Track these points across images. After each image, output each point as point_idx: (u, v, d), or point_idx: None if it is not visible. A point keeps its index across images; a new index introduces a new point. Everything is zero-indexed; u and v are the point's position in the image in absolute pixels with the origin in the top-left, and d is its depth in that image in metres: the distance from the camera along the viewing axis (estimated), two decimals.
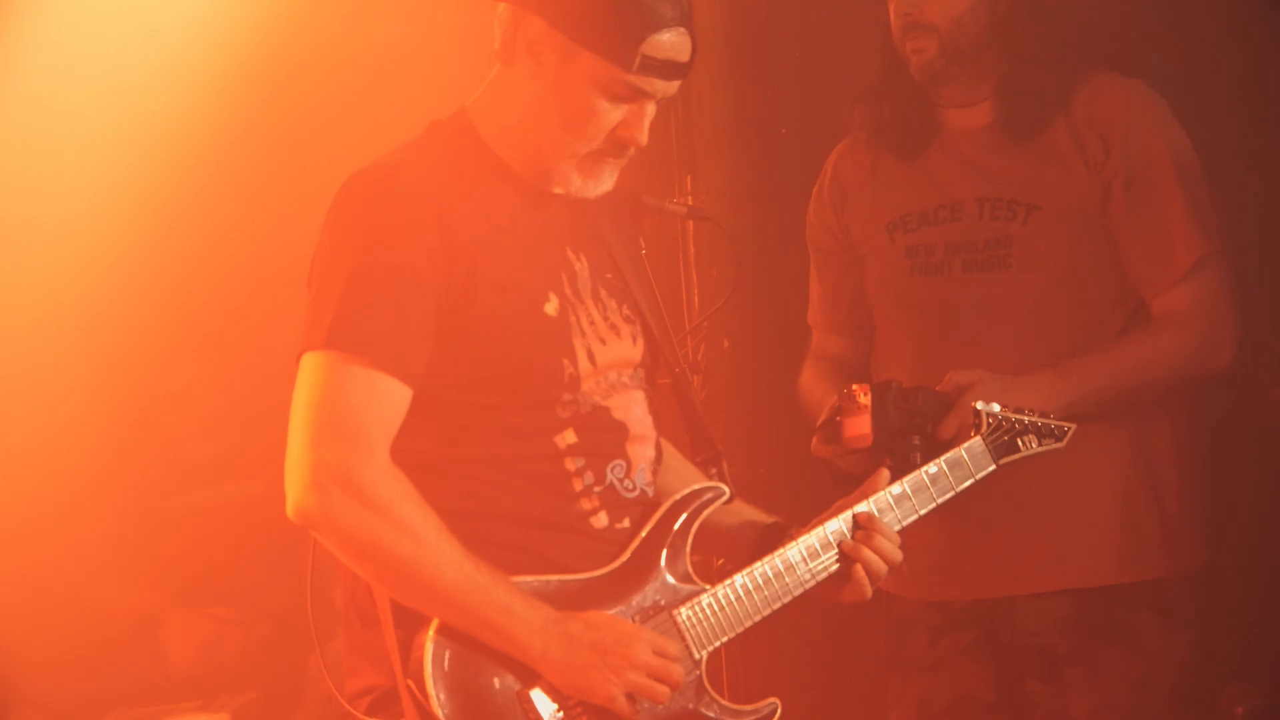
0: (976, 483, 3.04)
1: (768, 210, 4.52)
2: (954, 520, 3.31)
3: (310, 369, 2.71)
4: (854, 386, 3.23)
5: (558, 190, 2.87)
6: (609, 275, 2.92)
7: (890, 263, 3.66)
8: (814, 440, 3.37)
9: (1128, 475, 3.56)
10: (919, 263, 3.61)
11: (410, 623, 2.69)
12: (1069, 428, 3.19)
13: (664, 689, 2.72)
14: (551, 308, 2.80)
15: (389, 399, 2.68)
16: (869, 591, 2.90)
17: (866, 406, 3.21)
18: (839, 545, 2.88)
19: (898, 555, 2.89)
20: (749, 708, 2.84)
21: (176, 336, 4.67)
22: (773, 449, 4.50)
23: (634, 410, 2.89)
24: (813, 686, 4.30)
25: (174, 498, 4.88)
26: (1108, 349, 3.52)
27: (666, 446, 3.03)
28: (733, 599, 2.84)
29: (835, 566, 2.89)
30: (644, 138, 2.81)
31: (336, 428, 2.64)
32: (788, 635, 3.57)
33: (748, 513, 3.01)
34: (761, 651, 3.72)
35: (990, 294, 3.54)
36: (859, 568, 2.88)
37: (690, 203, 4.42)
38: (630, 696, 2.71)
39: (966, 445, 3.05)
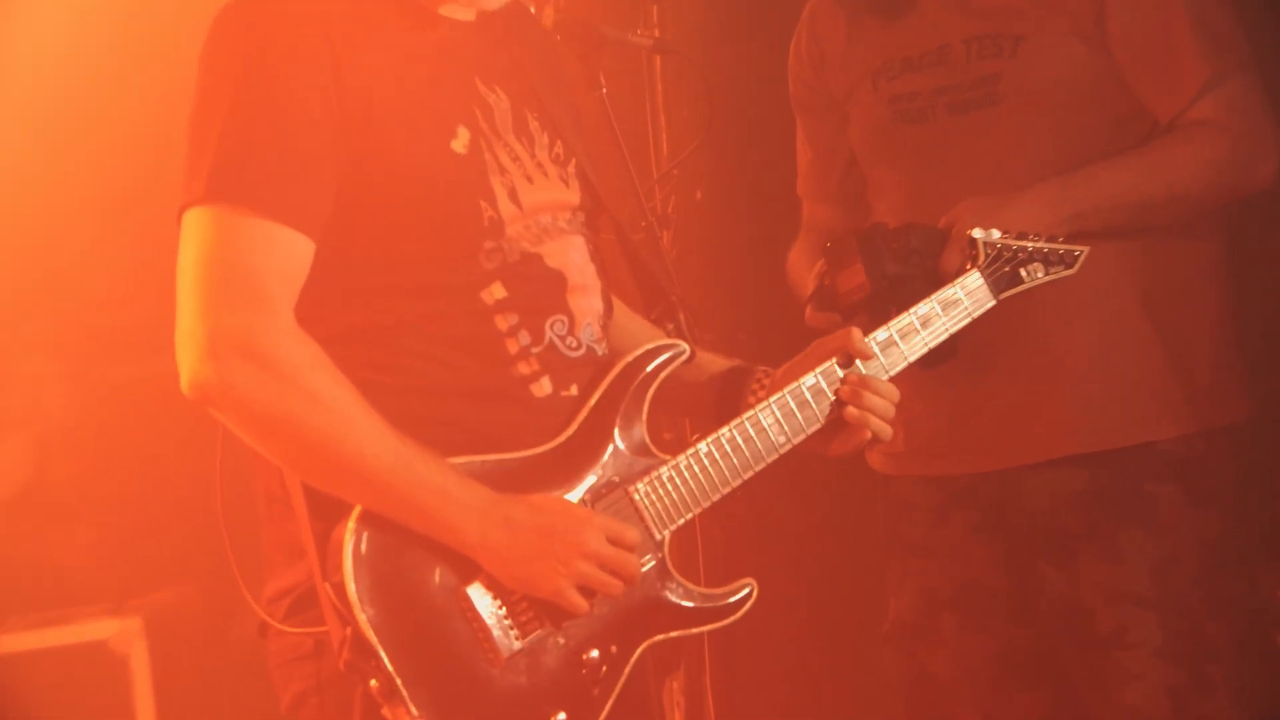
0: (976, 323, 2.90)
1: (745, 46, 4.46)
2: (953, 382, 3.25)
3: (194, 227, 2.54)
4: (838, 236, 3.14)
5: (460, 15, 2.73)
6: (533, 112, 2.77)
7: (873, 114, 3.53)
8: (807, 310, 3.27)
9: (1152, 312, 3.37)
10: (901, 110, 3.47)
11: (330, 513, 2.54)
12: (1080, 251, 3.03)
13: (617, 583, 2.58)
14: (460, 144, 2.63)
15: (287, 252, 2.52)
16: (867, 437, 2.76)
17: (856, 253, 3.09)
18: (818, 400, 2.74)
19: (895, 395, 2.75)
20: (720, 591, 2.69)
21: (76, 203, 4.62)
22: (752, 311, 4.44)
23: (572, 257, 2.73)
24: (803, 575, 4.35)
25: (80, 372, 4.82)
26: (1122, 155, 3.34)
27: (618, 304, 2.90)
28: (697, 470, 2.69)
29: (815, 426, 2.74)
30: None
31: (230, 289, 2.49)
32: (773, 516, 3.63)
33: (713, 366, 2.88)
34: (744, 535, 3.66)
35: (979, 135, 3.38)
36: (853, 411, 2.75)
37: (657, 35, 4.24)
38: (581, 589, 2.57)
39: (961, 280, 2.91)
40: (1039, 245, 3.00)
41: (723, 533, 3.56)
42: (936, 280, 3.00)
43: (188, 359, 2.51)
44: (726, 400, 2.84)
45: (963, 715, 3.51)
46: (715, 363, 2.89)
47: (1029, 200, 3.25)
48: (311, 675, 2.61)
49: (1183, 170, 3.32)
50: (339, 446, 2.50)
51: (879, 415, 2.76)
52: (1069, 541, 3.37)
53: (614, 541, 2.59)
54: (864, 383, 2.75)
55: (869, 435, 2.75)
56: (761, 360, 2.86)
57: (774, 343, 2.99)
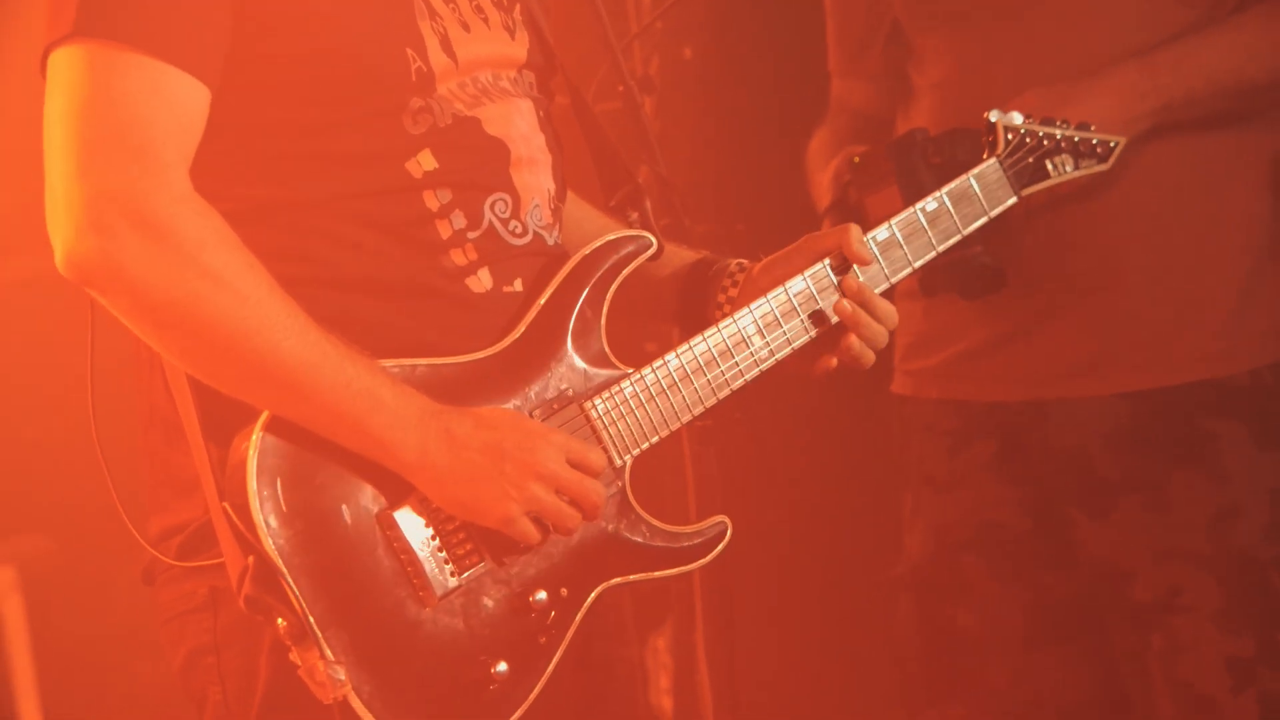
0: (993, 221, 2.84)
1: None
2: (993, 300, 3.16)
3: (62, 71, 2.41)
4: (867, 149, 3.09)
5: None
6: None
7: None
8: (824, 225, 3.20)
9: (1224, 222, 3.26)
10: None
11: (229, 437, 2.43)
12: (1115, 142, 3.01)
13: (575, 513, 2.49)
14: None
15: (178, 100, 2.41)
16: (868, 361, 2.70)
17: (891, 172, 3.05)
18: (806, 308, 2.67)
19: (893, 318, 2.69)
20: (689, 529, 2.61)
21: None
22: (754, 198, 4.32)
23: (517, 124, 2.62)
24: (810, 513, 4.28)
25: None
26: (1214, 28, 3.24)
27: (571, 196, 2.81)
28: (665, 386, 2.61)
29: (803, 340, 2.68)
30: None
31: (112, 144, 2.37)
32: (775, 441, 3.62)
33: (676, 259, 2.81)
34: (742, 464, 3.42)
35: None
36: (850, 338, 2.68)
37: None
38: (533, 517, 2.47)
39: (976, 171, 2.83)
40: (1068, 133, 2.96)
41: (719, 461, 3.36)
42: None
43: (63, 230, 2.38)
44: (691, 301, 2.79)
45: (990, 674, 3.43)
46: (680, 256, 2.82)
47: (1106, 89, 3.17)
48: (207, 629, 2.52)
49: None
50: (250, 338, 2.40)
51: (869, 341, 2.69)
52: (1104, 489, 3.28)
53: (574, 464, 2.50)
54: (861, 295, 2.68)
55: (855, 347, 2.69)
56: (760, 252, 2.76)
57: (780, 237, 2.84)
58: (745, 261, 2.77)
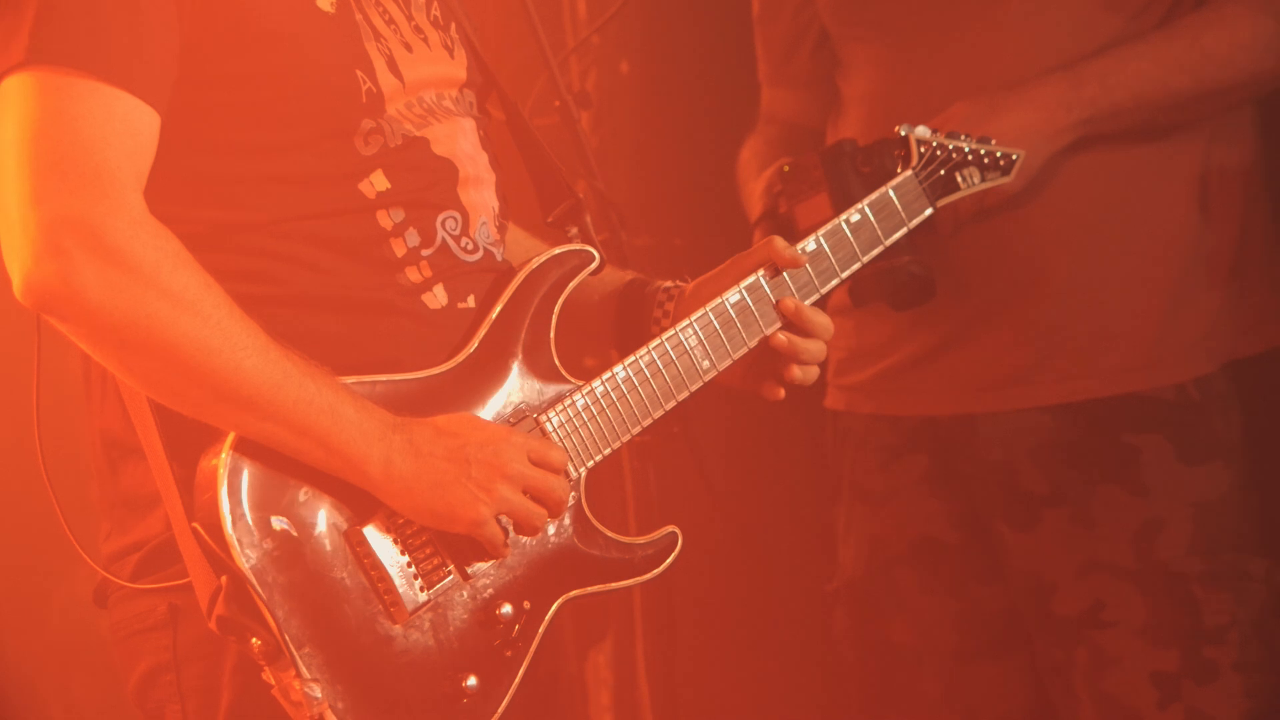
0: (914, 231, 2.89)
1: None
2: (923, 313, 3.18)
3: (14, 97, 2.40)
4: (797, 158, 3.08)
5: None
6: None
7: None
8: (754, 236, 3.19)
9: (1148, 233, 3.25)
10: None
11: (192, 457, 2.44)
12: (1016, 155, 3.03)
13: (542, 512, 2.50)
14: (326, 1, 2.55)
15: (130, 125, 2.40)
16: (811, 379, 2.74)
17: (820, 180, 3.05)
18: (743, 319, 2.71)
19: (828, 331, 2.73)
20: (642, 540, 2.64)
21: None
22: (691, 211, 4.32)
23: (462, 143, 2.64)
24: (748, 527, 4.28)
25: None
26: (1141, 40, 3.23)
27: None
28: (614, 398, 2.64)
29: (742, 351, 2.72)
30: None
31: (67, 169, 2.36)
32: (712, 456, 3.47)
33: (611, 280, 2.83)
34: (679, 479, 3.50)
35: (974, 8, 3.28)
36: (781, 339, 2.72)
37: None
38: (503, 518, 2.49)
39: (894, 182, 2.88)
40: (973, 146, 3.00)
41: (656, 475, 3.47)
42: None
43: (20, 257, 2.36)
44: (627, 321, 2.81)
45: (923, 687, 3.44)
46: (613, 276, 2.84)
47: (1032, 101, 3.18)
48: (166, 647, 2.50)
49: (1215, 57, 3.21)
50: (212, 359, 2.39)
51: (809, 361, 2.73)
52: (1030, 502, 3.29)
53: (537, 463, 2.51)
54: (798, 313, 2.72)
55: (796, 373, 2.73)
56: (699, 267, 2.77)
57: (717, 250, 2.85)
58: (679, 281, 2.79)
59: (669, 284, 2.79)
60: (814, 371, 2.74)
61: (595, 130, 3.91)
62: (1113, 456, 3.24)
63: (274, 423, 2.42)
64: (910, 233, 2.88)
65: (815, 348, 2.71)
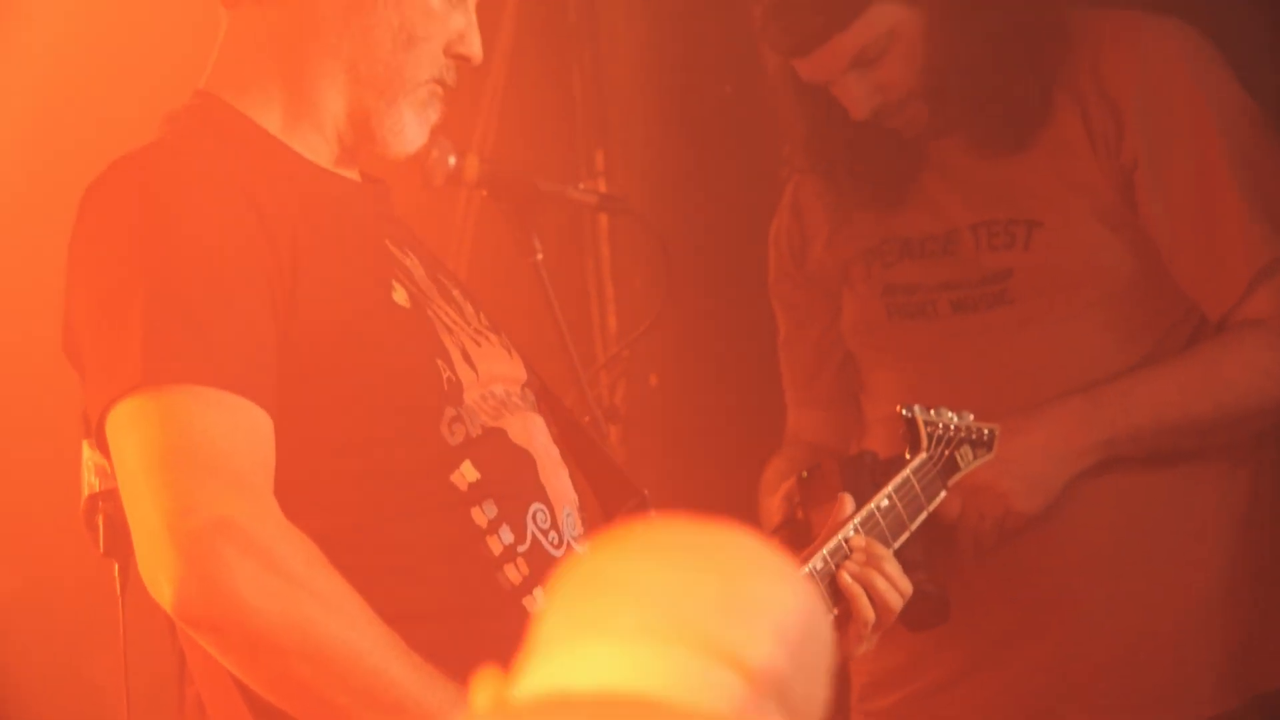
0: (929, 551, 2.94)
1: (708, 200, 4.31)
2: (954, 636, 3.16)
3: (133, 421, 2.41)
4: (815, 467, 3.08)
5: (348, 173, 2.70)
6: (447, 279, 2.73)
7: (867, 305, 3.46)
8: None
9: (1200, 559, 3.24)
10: (898, 303, 3.40)
11: None
12: (989, 430, 3.05)
13: None
14: (401, 297, 2.58)
15: (255, 430, 2.43)
16: (889, 619, 2.75)
17: (838, 487, 3.02)
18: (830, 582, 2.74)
19: (906, 584, 2.76)
20: None
21: None
22: (717, 518, 4.06)
23: (537, 436, 2.63)
24: None
25: None
26: (1161, 365, 3.25)
27: None
28: None
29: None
30: (479, 49, 2.69)
31: (208, 478, 2.37)
32: None
33: None
34: None
35: (990, 337, 3.31)
36: (862, 601, 2.74)
37: (602, 189, 4.18)
38: None
39: (914, 465, 2.94)
40: (960, 423, 3.04)
41: None
42: (933, 523, 2.98)
43: (170, 572, 2.35)
44: None
45: None
46: None
47: (1051, 421, 3.19)
48: None
49: (1235, 383, 3.21)
50: (362, 661, 2.39)
51: (882, 597, 2.74)
52: None
53: None
54: (871, 555, 2.75)
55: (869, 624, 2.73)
56: None
57: None
58: None
59: None
60: (890, 616, 2.76)
61: (623, 443, 3.96)
62: None
63: None
64: (927, 550, 2.92)
65: (884, 586, 2.74)
